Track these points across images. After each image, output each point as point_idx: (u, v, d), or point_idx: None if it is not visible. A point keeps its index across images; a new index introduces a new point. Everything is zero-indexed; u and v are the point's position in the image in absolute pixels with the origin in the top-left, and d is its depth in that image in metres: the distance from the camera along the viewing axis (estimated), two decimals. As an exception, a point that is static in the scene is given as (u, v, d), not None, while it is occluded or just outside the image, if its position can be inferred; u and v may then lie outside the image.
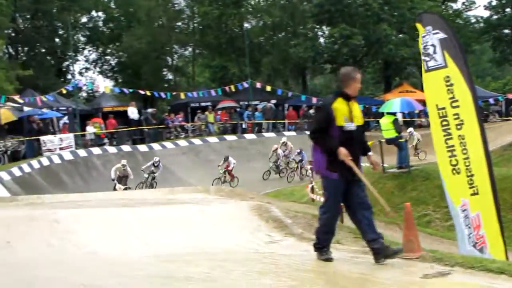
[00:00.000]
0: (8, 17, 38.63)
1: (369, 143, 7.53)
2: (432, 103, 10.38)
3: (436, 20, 10.47)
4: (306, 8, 44.28)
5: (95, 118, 34.31)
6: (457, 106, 10.02)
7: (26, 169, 24.70)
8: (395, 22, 41.18)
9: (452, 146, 10.04)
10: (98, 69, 50.16)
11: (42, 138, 28.16)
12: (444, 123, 10.12)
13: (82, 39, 48.86)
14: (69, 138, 29.97)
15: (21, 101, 30.71)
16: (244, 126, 36.79)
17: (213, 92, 36.63)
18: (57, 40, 46.67)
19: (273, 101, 38.98)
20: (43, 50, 46.03)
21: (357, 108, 6.57)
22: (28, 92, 34.22)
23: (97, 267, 6.61)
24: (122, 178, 23.99)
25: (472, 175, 9.86)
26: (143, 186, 24.72)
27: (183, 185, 21.34)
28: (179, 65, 50.26)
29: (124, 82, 46.09)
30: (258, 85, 37.13)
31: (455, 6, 46.78)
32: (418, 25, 10.47)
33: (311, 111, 37.03)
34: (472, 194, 9.88)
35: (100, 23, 49.27)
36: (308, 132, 7.13)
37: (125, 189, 23.11)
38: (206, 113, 36.47)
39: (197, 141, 33.55)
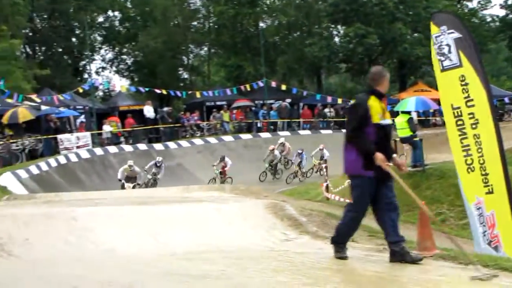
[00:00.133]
0: (26, 17, 38.97)
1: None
2: (447, 103, 10.38)
3: (451, 20, 10.46)
4: (321, 8, 44.20)
5: (112, 117, 34.38)
6: (472, 106, 10.02)
7: (44, 167, 24.79)
8: (410, 21, 41.02)
9: (468, 145, 10.04)
10: (114, 68, 50.35)
11: (59, 136, 28.31)
12: (459, 122, 10.11)
13: (99, 38, 49.06)
14: (86, 136, 30.16)
15: (38, 100, 30.91)
16: (259, 125, 36.77)
17: (228, 91, 36.61)
18: (74, 39, 46.85)
19: (288, 100, 38.92)
20: (60, 50, 46.32)
21: (385, 107, 6.57)
22: (45, 91, 34.45)
23: (115, 264, 6.65)
24: (131, 178, 23.64)
25: (487, 174, 9.85)
26: (145, 187, 24.23)
27: (199, 184, 21.46)
28: (194, 64, 50.26)
29: (140, 81, 46.17)
30: (273, 84, 37.17)
31: (471, 5, 46.30)
32: (432, 25, 10.47)
33: (326, 110, 37.05)
34: (487, 193, 9.87)
35: (117, 23, 49.41)
36: (344, 131, 7.04)
37: (133, 186, 23.06)
38: (222, 112, 36.45)
39: (212, 139, 33.58)
